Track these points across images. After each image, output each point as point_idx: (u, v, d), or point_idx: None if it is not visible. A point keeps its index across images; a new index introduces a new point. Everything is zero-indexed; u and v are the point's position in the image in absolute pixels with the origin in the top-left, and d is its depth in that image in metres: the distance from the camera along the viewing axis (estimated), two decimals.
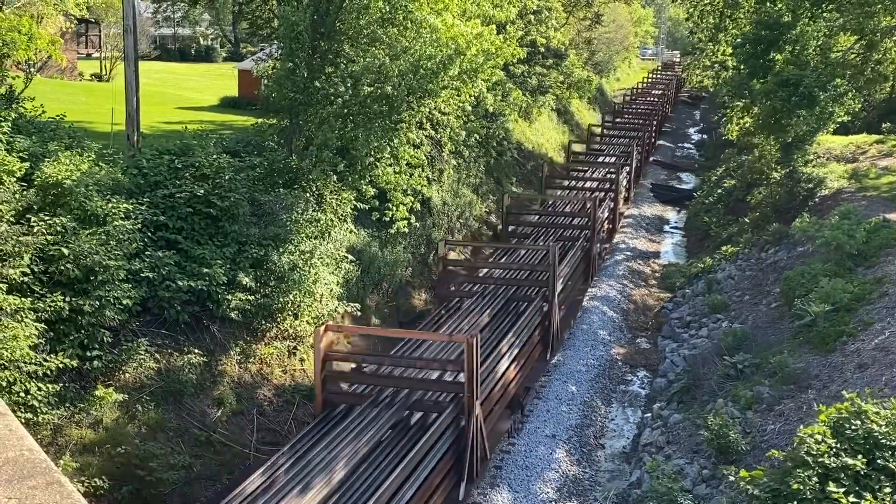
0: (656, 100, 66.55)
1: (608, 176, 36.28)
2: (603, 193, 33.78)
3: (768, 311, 21.92)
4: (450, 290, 21.50)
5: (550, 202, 32.52)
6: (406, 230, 22.32)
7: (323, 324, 14.56)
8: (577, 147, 45.48)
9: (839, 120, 29.83)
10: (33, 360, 12.21)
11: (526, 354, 19.65)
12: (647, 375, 22.77)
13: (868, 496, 10.46)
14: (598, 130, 50.63)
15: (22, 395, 12.09)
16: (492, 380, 16.86)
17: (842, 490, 10.58)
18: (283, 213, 17.85)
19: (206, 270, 15.49)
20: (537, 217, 29.95)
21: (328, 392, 14.83)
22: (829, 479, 10.87)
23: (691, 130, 71.37)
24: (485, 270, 23.11)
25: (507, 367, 18.00)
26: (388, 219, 21.31)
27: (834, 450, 11.24)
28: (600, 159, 43.26)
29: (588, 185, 35.91)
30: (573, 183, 36.29)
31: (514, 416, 18.56)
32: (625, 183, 38.96)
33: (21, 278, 12.61)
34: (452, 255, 26.38)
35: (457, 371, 14.81)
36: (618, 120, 56.10)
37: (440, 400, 15.17)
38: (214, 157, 17.32)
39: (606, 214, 32.89)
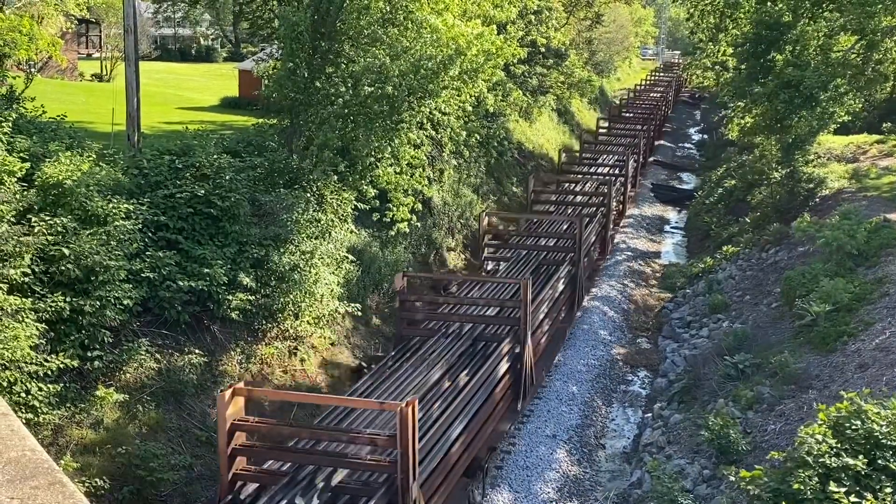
0: (655, 102, 64.78)
1: (601, 189, 33.31)
2: (594, 209, 31.16)
3: (769, 311, 21.93)
4: (408, 329, 18.50)
5: (535, 221, 29.42)
6: (407, 230, 22.32)
7: (229, 385, 11.53)
8: (573, 152, 43.64)
9: (840, 120, 29.83)
10: (34, 361, 12.21)
11: (491, 407, 16.75)
12: (647, 375, 22.78)
13: (869, 496, 10.45)
14: (594, 134, 48.57)
15: (23, 395, 12.08)
16: (441, 448, 13.90)
17: (843, 490, 10.57)
18: (284, 214, 17.85)
19: (206, 270, 15.49)
20: (518, 239, 26.85)
21: (236, 471, 12.15)
22: (829, 480, 10.87)
23: (692, 130, 71.38)
24: (451, 306, 19.73)
25: (462, 428, 14.98)
26: (388, 219, 21.31)
27: (834, 450, 11.23)
28: (595, 168, 40.43)
29: (578, 198, 33.38)
30: (562, 197, 33.59)
31: (473, 487, 15.92)
32: (618, 195, 36.39)
33: (22, 278, 12.60)
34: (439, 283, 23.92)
35: (389, 448, 11.99)
36: (615, 126, 52.80)
37: (371, 480, 12.54)
38: (215, 157, 17.32)
39: (597, 232, 29.94)
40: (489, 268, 24.75)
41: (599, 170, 39.74)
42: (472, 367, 17.24)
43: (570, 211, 31.44)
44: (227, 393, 11.53)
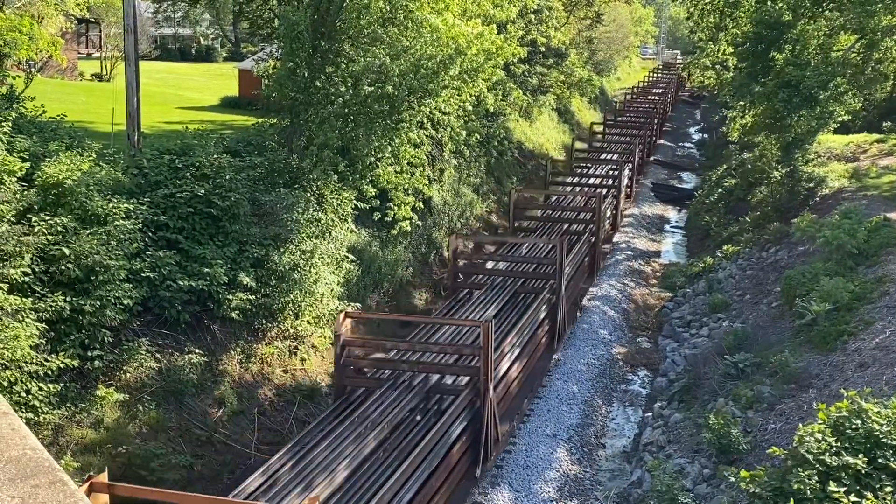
0: (653, 105, 62.01)
1: (591, 203, 30.17)
2: (583, 226, 28.88)
3: (769, 310, 21.93)
4: (351, 379, 15.69)
5: (514, 245, 26.39)
6: (409, 229, 22.35)
7: (86, 477, 8.08)
8: (572, 153, 41.04)
9: (840, 119, 29.84)
10: (34, 360, 12.23)
11: (441, 478, 14.06)
12: (647, 375, 22.78)
13: (869, 496, 10.45)
14: (589, 139, 46.41)
15: (23, 395, 12.10)
16: None
17: (843, 489, 10.56)
18: (284, 213, 17.86)
19: (206, 270, 15.50)
20: (493, 264, 23.91)
21: None
22: (829, 479, 10.86)
23: (692, 130, 71.36)
24: (401, 351, 16.43)
25: None
26: (390, 219, 21.32)
27: (834, 449, 11.23)
28: (587, 179, 37.23)
29: (565, 214, 30.63)
30: (547, 213, 30.97)
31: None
32: (610, 212, 33.59)
33: (22, 278, 12.61)
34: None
35: None
36: (610, 131, 49.33)
37: None
38: (215, 156, 17.33)
39: (583, 254, 27.11)
40: (461, 295, 22.00)
41: (591, 180, 36.80)
42: (422, 429, 14.61)
43: (557, 227, 29.06)
44: (84, 488, 8.34)
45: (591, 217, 28.78)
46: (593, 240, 28.42)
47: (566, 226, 29.22)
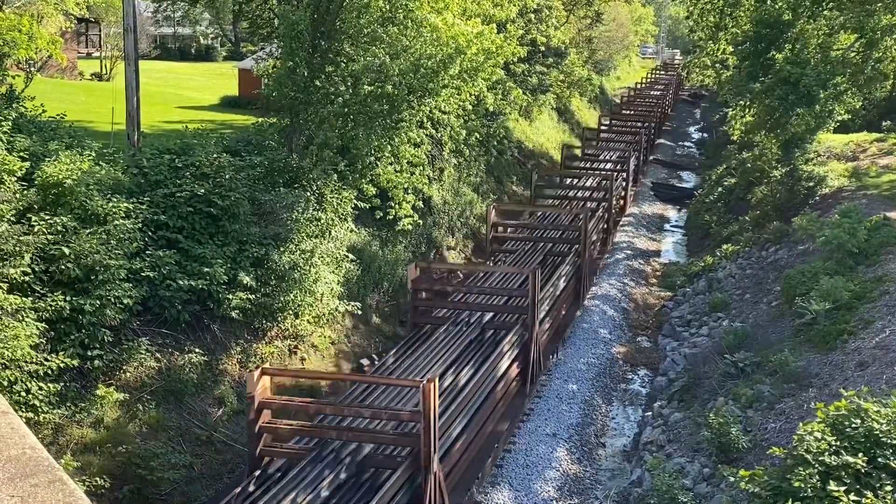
0: (650, 109, 60.19)
1: (577, 220, 26.81)
2: (568, 245, 25.97)
3: (769, 309, 21.94)
4: (271, 448, 13.34)
5: (476, 277, 22.82)
6: (410, 228, 22.35)
7: None
8: (565, 157, 38.52)
9: (839, 118, 29.83)
10: (34, 360, 12.23)
11: None
12: (647, 374, 22.79)
13: (869, 495, 10.45)
14: (582, 144, 44.24)
15: (23, 394, 12.10)
16: None
17: (842, 488, 10.57)
18: (284, 213, 17.86)
19: (206, 270, 15.50)
20: (460, 296, 20.64)
21: None
22: (829, 478, 10.86)
23: (692, 129, 71.36)
24: (329, 418, 14.28)
25: None
26: (391, 217, 21.33)
27: (834, 448, 11.22)
28: (576, 192, 33.49)
29: (550, 233, 27.58)
30: (529, 232, 27.58)
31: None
32: (600, 228, 30.96)
33: (22, 278, 12.62)
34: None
35: None
36: (604, 138, 47.11)
37: None
38: (215, 156, 17.34)
39: (567, 279, 24.16)
40: (424, 331, 19.21)
41: (583, 192, 33.48)
42: None
43: (540, 247, 26.43)
44: None
45: (577, 236, 25.86)
46: (579, 262, 25.48)
47: (550, 246, 26.40)
